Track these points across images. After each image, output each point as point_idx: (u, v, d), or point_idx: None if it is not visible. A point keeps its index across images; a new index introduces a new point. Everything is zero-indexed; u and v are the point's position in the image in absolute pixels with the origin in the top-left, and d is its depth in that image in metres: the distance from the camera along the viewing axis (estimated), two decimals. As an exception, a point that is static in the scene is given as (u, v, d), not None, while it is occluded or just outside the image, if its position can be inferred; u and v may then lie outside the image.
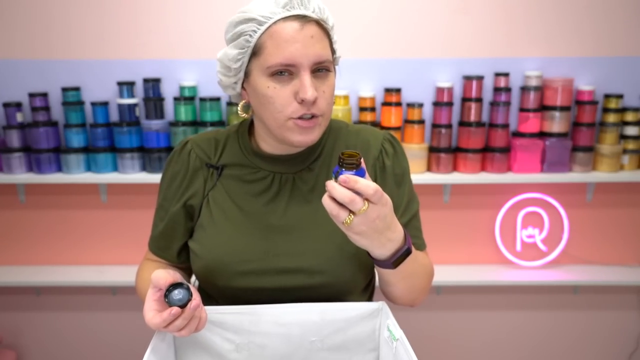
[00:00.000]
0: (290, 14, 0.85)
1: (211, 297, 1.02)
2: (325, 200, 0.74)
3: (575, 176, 1.95)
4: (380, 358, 0.91)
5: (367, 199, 0.74)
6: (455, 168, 1.99)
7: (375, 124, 1.95)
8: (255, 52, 0.87)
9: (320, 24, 0.87)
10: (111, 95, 1.98)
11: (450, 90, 1.94)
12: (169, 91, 1.99)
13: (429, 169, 1.99)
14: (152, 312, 0.79)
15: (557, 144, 1.94)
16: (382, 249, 0.80)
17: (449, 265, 2.13)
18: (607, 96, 1.95)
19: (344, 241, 0.86)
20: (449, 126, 1.95)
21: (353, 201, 0.72)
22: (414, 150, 1.92)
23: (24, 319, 2.22)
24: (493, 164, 1.96)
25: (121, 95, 1.93)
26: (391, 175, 1.00)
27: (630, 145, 1.97)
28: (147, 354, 0.79)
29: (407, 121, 1.96)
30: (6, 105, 1.92)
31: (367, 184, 0.73)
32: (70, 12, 1.93)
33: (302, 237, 0.95)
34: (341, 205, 0.74)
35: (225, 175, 0.99)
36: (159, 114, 1.94)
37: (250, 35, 0.86)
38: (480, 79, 1.93)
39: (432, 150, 1.97)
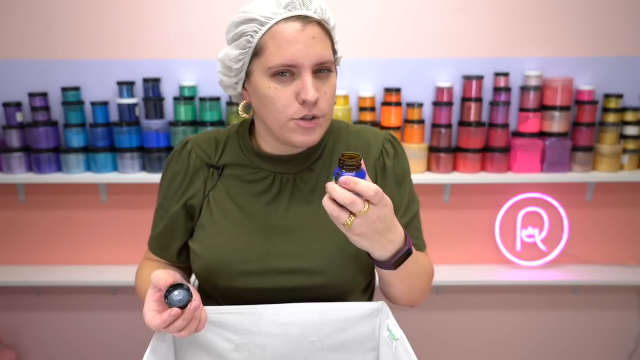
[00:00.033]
0: (292, 15, 0.85)
1: (211, 297, 1.02)
2: (326, 202, 0.74)
3: (575, 176, 1.95)
4: (381, 358, 0.91)
5: (367, 201, 0.74)
6: (455, 168, 1.99)
7: (375, 124, 1.95)
8: (257, 53, 0.87)
9: (322, 25, 0.87)
10: (111, 95, 1.98)
11: (450, 90, 1.94)
12: (169, 91, 1.99)
13: (429, 169, 1.99)
14: (152, 313, 0.79)
15: (557, 144, 1.94)
16: (382, 251, 0.80)
17: (449, 265, 2.13)
18: (607, 96, 1.95)
19: (344, 242, 0.85)
20: (449, 126, 1.95)
21: (354, 203, 0.72)
22: (414, 150, 1.92)
23: (24, 319, 2.22)
24: (493, 164, 1.96)
25: (121, 95, 1.93)
26: (392, 176, 1.00)
27: (630, 145, 1.97)
28: (147, 354, 0.79)
29: (407, 121, 1.96)
30: (6, 105, 1.92)
31: (367, 185, 0.73)
32: (70, 12, 1.93)
33: (303, 237, 0.95)
34: (342, 206, 0.74)
35: (226, 175, 0.99)
36: (159, 114, 1.94)
37: (252, 36, 0.86)
38: (480, 79, 1.93)
39: (432, 150, 1.97)
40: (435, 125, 1.95)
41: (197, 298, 0.79)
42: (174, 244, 1.03)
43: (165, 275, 0.79)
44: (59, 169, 1.95)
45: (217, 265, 0.95)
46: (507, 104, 1.94)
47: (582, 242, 2.13)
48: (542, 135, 1.97)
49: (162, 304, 0.80)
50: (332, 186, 0.74)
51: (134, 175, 1.92)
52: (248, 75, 0.90)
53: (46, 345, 2.25)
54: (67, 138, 1.93)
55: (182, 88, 1.95)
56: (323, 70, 0.87)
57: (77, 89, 1.94)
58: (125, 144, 1.91)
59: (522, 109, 1.96)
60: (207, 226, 0.98)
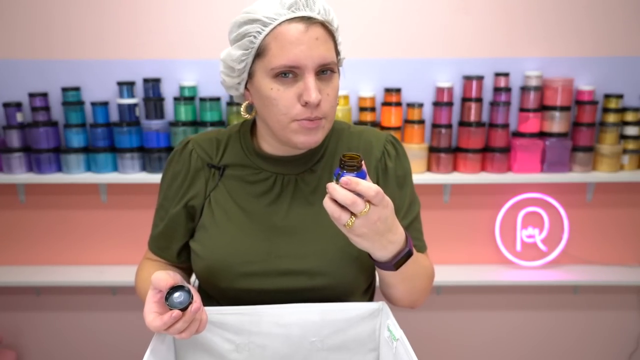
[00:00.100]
0: (295, 16, 0.84)
1: (211, 297, 1.01)
2: (327, 203, 0.74)
3: (575, 176, 1.95)
4: (381, 358, 0.91)
5: (368, 201, 0.74)
6: (455, 168, 1.99)
7: (375, 124, 1.95)
8: (260, 54, 0.86)
9: (325, 26, 0.86)
10: (111, 95, 1.98)
11: (450, 90, 1.94)
12: (169, 91, 1.99)
13: (429, 169, 1.99)
14: (153, 314, 0.79)
15: (557, 144, 1.94)
16: (383, 251, 0.80)
17: (449, 265, 2.13)
18: (607, 96, 1.95)
19: (346, 243, 0.85)
20: (449, 126, 1.95)
21: (354, 203, 0.72)
22: (414, 150, 1.92)
23: (24, 319, 2.22)
24: (493, 164, 1.96)
25: (121, 95, 1.93)
26: (393, 177, 1.00)
27: (630, 145, 1.97)
28: (146, 355, 0.79)
29: (407, 121, 1.96)
30: (6, 105, 1.92)
31: (368, 185, 0.73)
32: (70, 12, 1.93)
33: (304, 238, 0.95)
34: (342, 207, 0.74)
35: (227, 175, 0.99)
36: (159, 114, 1.94)
37: (255, 37, 0.86)
38: (480, 79, 1.93)
39: (432, 150, 1.97)
40: (435, 125, 1.95)
41: (197, 299, 0.79)
42: (174, 244, 1.03)
43: (166, 277, 0.79)
44: (59, 169, 1.95)
45: (219, 266, 0.95)
46: (507, 104, 1.94)
47: (582, 242, 2.13)
48: (542, 135, 1.97)
49: (162, 305, 0.80)
50: (332, 186, 0.74)
51: (134, 175, 1.92)
52: (250, 75, 0.90)
53: (46, 345, 2.25)
54: (67, 138, 1.93)
55: (182, 88, 1.95)
56: (325, 72, 0.87)
57: (77, 89, 1.94)
58: (125, 144, 1.91)
59: (522, 109, 1.96)
60: (209, 226, 0.97)
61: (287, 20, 0.84)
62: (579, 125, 1.95)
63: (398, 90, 1.94)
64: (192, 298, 0.78)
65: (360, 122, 1.95)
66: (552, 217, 2.09)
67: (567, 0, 1.94)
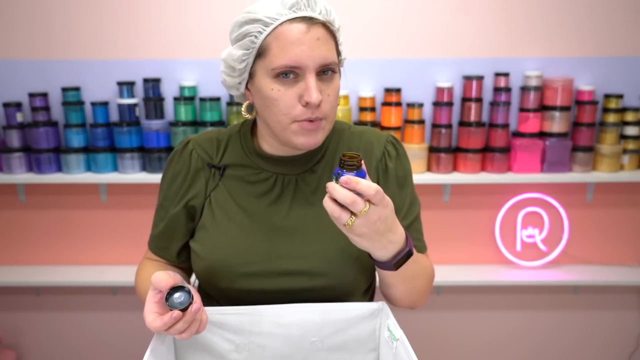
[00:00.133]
0: (297, 16, 0.84)
1: (211, 297, 1.01)
2: (327, 202, 0.74)
3: (575, 176, 1.95)
4: (381, 358, 0.91)
5: (368, 200, 0.74)
6: (455, 168, 1.99)
7: (375, 124, 1.95)
8: (261, 54, 0.86)
9: (326, 26, 0.86)
10: (111, 95, 1.98)
11: (450, 90, 1.94)
12: (169, 91, 1.99)
13: (429, 169, 1.99)
14: (153, 314, 0.79)
15: (557, 144, 1.94)
16: (383, 251, 0.80)
17: (449, 265, 2.13)
18: (607, 96, 1.95)
19: (346, 244, 0.85)
20: (449, 126, 1.95)
21: (354, 202, 0.72)
22: (414, 150, 1.92)
23: (24, 319, 2.22)
24: (493, 164, 1.96)
25: (121, 95, 1.93)
26: (394, 177, 1.00)
27: (630, 145, 1.97)
28: (146, 355, 0.79)
29: (407, 121, 1.96)
30: (6, 105, 1.92)
31: (368, 184, 0.73)
32: (70, 12, 1.93)
33: (304, 239, 0.95)
34: (342, 207, 0.74)
35: (227, 175, 0.99)
36: (159, 114, 1.94)
37: (256, 37, 0.85)
38: (480, 79, 1.93)
39: (432, 150, 1.97)
40: (435, 125, 1.95)
41: (197, 300, 0.79)
42: (174, 244, 1.03)
43: (166, 277, 0.79)
44: (59, 169, 1.95)
45: (219, 266, 0.95)
46: (507, 104, 1.94)
47: (582, 242, 2.13)
48: (542, 135, 1.97)
49: (162, 306, 0.80)
50: (332, 186, 0.73)
51: (134, 175, 1.92)
52: (251, 75, 0.90)
53: (46, 345, 2.25)
54: (67, 138, 1.93)
55: (182, 88, 1.95)
56: (326, 72, 0.86)
57: (77, 89, 1.94)
58: (125, 144, 1.91)
59: (522, 109, 1.96)
60: (209, 227, 0.97)
61: (288, 20, 0.84)
62: (579, 125, 1.95)
63: (398, 90, 1.94)
64: (193, 298, 0.78)
65: (360, 122, 1.95)
66: (552, 217, 2.09)
67: (567, 0, 1.94)
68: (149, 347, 0.81)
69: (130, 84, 1.92)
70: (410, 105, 1.94)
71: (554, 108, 1.93)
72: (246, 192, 0.98)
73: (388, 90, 1.94)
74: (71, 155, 1.92)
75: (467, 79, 1.94)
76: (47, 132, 1.91)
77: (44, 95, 1.93)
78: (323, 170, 0.98)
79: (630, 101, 2.00)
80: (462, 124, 1.95)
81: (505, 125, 1.95)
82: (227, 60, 0.91)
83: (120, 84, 1.91)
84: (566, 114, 1.93)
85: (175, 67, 1.97)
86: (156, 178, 1.88)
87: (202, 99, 1.91)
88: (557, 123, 1.94)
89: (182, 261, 1.05)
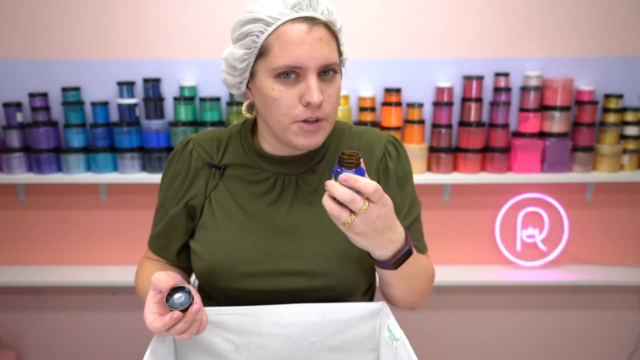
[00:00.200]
0: (299, 16, 0.84)
1: (211, 297, 1.01)
2: (326, 201, 0.74)
3: (575, 176, 1.95)
4: (381, 358, 0.91)
5: (367, 198, 0.74)
6: (455, 168, 1.99)
7: (375, 124, 1.95)
8: (262, 53, 0.86)
9: (328, 26, 0.86)
10: (111, 95, 1.98)
11: (450, 90, 1.94)
12: (169, 91, 1.99)
13: (429, 169, 1.99)
14: (153, 315, 0.79)
15: (557, 144, 1.94)
16: (383, 250, 0.80)
17: (449, 265, 2.13)
18: (607, 96, 1.95)
19: (346, 244, 0.85)
20: (449, 126, 1.95)
21: (353, 200, 0.72)
22: (414, 150, 1.92)
23: (24, 319, 2.22)
24: (493, 164, 1.96)
25: (121, 95, 1.93)
26: (394, 177, 0.99)
27: (630, 145, 1.97)
28: (146, 355, 0.79)
29: (407, 121, 1.96)
30: (6, 105, 1.92)
31: (367, 182, 0.73)
32: (70, 12, 1.93)
33: (305, 239, 0.95)
34: (342, 205, 0.74)
35: (227, 175, 0.99)
36: (159, 114, 1.94)
37: (257, 36, 0.85)
38: (480, 79, 1.93)
39: (432, 150, 1.97)
40: (435, 125, 1.95)
41: (197, 300, 0.79)
42: (174, 243, 1.03)
43: (166, 277, 0.79)
44: (59, 169, 1.95)
45: (219, 266, 0.95)
46: (507, 104, 1.94)
47: (582, 242, 2.13)
48: (542, 135, 1.97)
49: (162, 306, 0.79)
50: (331, 184, 0.73)
51: (134, 175, 1.92)
52: (252, 75, 0.90)
53: (46, 345, 2.25)
54: (67, 138, 1.93)
55: (182, 88, 1.95)
56: (328, 72, 0.86)
57: (77, 89, 1.94)
58: (125, 144, 1.91)
59: (522, 109, 1.96)
60: (209, 226, 0.97)
61: (290, 20, 0.84)
62: (579, 125, 1.95)
63: (398, 90, 1.94)
64: (193, 299, 0.78)
65: (360, 122, 1.95)
66: (552, 217, 2.09)
67: (567, 0, 1.94)
68: (149, 347, 0.81)
69: (130, 84, 1.92)
70: (410, 105, 1.94)
71: (554, 108, 1.93)
72: (246, 192, 0.98)
73: (388, 90, 1.94)
74: (71, 155, 1.92)
75: (467, 79, 1.93)
76: (47, 132, 1.91)
77: (44, 95, 1.93)
78: (323, 170, 0.98)
79: (630, 101, 2.00)
80: (462, 124, 1.95)
81: (505, 125, 1.95)
82: (228, 59, 0.91)
83: (120, 84, 1.91)
84: (566, 114, 1.93)
85: (175, 67, 1.97)
86: (156, 178, 1.88)
87: (202, 99, 1.91)
88: (557, 123, 1.94)
89: (182, 261, 1.05)
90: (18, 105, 1.93)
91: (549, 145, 1.94)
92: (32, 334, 2.24)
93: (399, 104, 1.94)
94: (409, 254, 0.84)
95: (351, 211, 0.74)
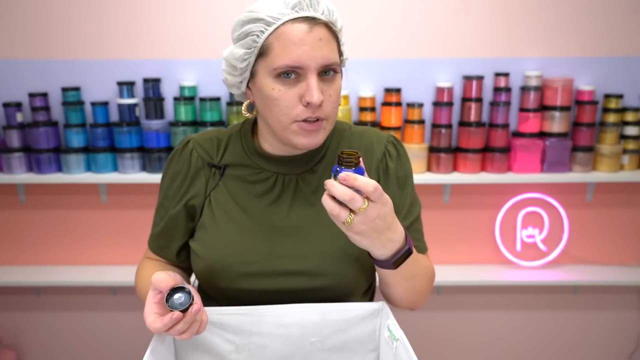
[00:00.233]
0: (299, 16, 0.84)
1: (211, 297, 1.01)
2: (326, 200, 0.74)
3: (575, 176, 1.95)
4: (381, 358, 0.91)
5: (367, 197, 0.74)
6: (455, 168, 1.99)
7: (375, 124, 1.95)
8: (262, 53, 0.86)
9: (328, 26, 0.86)
10: (111, 95, 1.98)
11: (450, 90, 1.94)
12: (169, 91, 1.99)
13: (429, 169, 1.99)
14: (153, 315, 0.79)
15: (557, 144, 1.94)
16: (382, 249, 0.80)
17: (449, 265, 2.13)
18: (607, 96, 1.95)
19: (346, 244, 0.85)
20: (449, 126, 1.95)
21: (353, 199, 0.72)
22: (414, 150, 1.92)
23: (24, 319, 2.22)
24: (493, 164, 1.96)
25: (121, 95, 1.93)
26: (394, 177, 0.99)
27: (630, 145, 1.97)
28: (146, 355, 0.79)
29: (407, 121, 1.96)
30: (6, 105, 1.92)
31: (366, 181, 0.73)
32: (70, 12, 1.93)
33: (305, 239, 0.95)
34: (341, 205, 0.74)
35: (227, 175, 0.99)
36: (159, 114, 1.94)
37: (258, 36, 0.85)
38: (480, 79, 1.93)
39: (432, 150, 1.97)
40: (435, 125, 1.95)
41: (198, 301, 0.79)
42: (174, 243, 1.03)
43: (166, 277, 0.79)
44: (59, 169, 1.95)
45: (219, 266, 0.95)
46: (507, 104, 1.94)
47: (582, 242, 2.13)
48: (542, 135, 1.97)
49: (162, 306, 0.79)
50: (331, 183, 0.73)
51: (134, 175, 1.92)
52: (252, 74, 0.89)
53: (46, 345, 2.25)
54: (67, 138, 1.93)
55: (182, 88, 1.95)
56: (328, 72, 0.86)
57: (77, 89, 1.94)
58: (125, 144, 1.91)
59: (522, 109, 1.96)
60: (209, 226, 0.97)
61: (290, 20, 0.84)
62: (579, 125, 1.95)
63: (398, 90, 1.94)
64: (193, 299, 0.78)
65: (360, 122, 1.95)
66: (552, 217, 2.09)
67: (567, 0, 1.94)
68: (149, 347, 0.81)
69: (130, 84, 1.92)
70: (410, 105, 1.94)
71: (554, 108, 1.93)
72: (246, 191, 0.98)
73: (388, 90, 1.94)
74: (71, 155, 1.92)
75: (467, 79, 1.93)
76: (47, 132, 1.91)
77: (44, 95, 1.93)
78: (323, 170, 0.98)
79: (630, 101, 2.00)
80: (462, 124, 1.95)
81: (505, 125, 1.95)
82: (228, 58, 0.91)
83: (120, 84, 1.91)
84: (566, 114, 1.93)
85: (175, 67, 1.97)
86: (156, 178, 1.88)
87: (202, 99, 1.91)
88: (557, 123, 1.94)
89: (182, 261, 1.05)
90: (18, 105, 1.93)
91: (549, 145, 1.94)
92: (32, 334, 2.24)
93: (399, 104, 1.94)
94: (408, 253, 0.84)
95: (351, 210, 0.74)
